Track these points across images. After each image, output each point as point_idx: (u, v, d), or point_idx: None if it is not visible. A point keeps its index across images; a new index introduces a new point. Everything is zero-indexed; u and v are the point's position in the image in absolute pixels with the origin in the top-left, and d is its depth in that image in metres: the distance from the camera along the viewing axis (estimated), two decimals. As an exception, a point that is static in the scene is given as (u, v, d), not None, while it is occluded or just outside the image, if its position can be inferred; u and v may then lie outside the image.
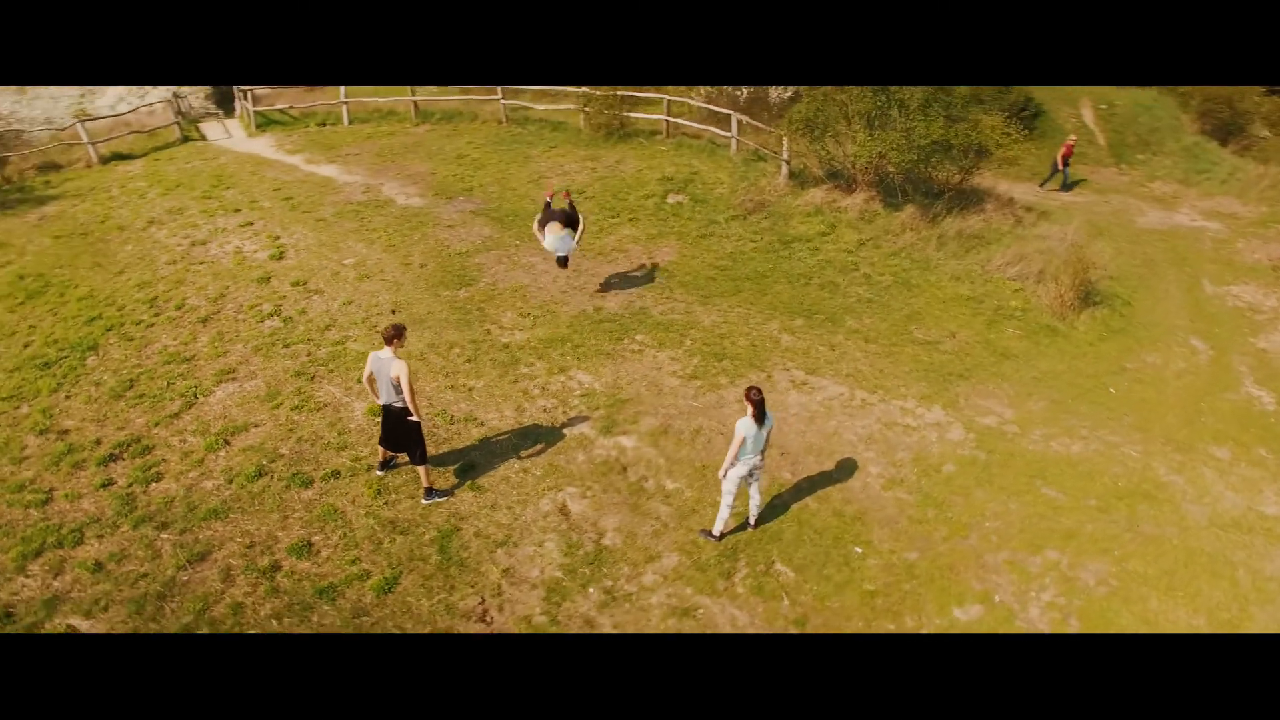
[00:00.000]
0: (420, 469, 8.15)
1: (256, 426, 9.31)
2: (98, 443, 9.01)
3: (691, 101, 19.10)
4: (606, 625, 6.99)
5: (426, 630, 6.89)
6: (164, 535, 7.80)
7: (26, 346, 10.82)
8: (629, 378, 10.30)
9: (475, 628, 6.94)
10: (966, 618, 7.22)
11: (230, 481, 8.47)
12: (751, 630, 6.99)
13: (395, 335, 7.56)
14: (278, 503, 8.22)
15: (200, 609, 7.01)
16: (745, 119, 17.62)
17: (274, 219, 14.54)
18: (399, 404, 7.72)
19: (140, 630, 6.80)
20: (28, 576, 7.30)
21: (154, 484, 8.46)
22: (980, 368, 10.91)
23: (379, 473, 8.54)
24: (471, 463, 8.79)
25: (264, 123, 20.27)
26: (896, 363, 10.88)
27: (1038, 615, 7.25)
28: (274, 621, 6.93)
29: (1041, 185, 20.44)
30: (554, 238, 11.49)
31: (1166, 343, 12.22)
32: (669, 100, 19.00)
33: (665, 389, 10.12)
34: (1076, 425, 9.86)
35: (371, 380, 7.82)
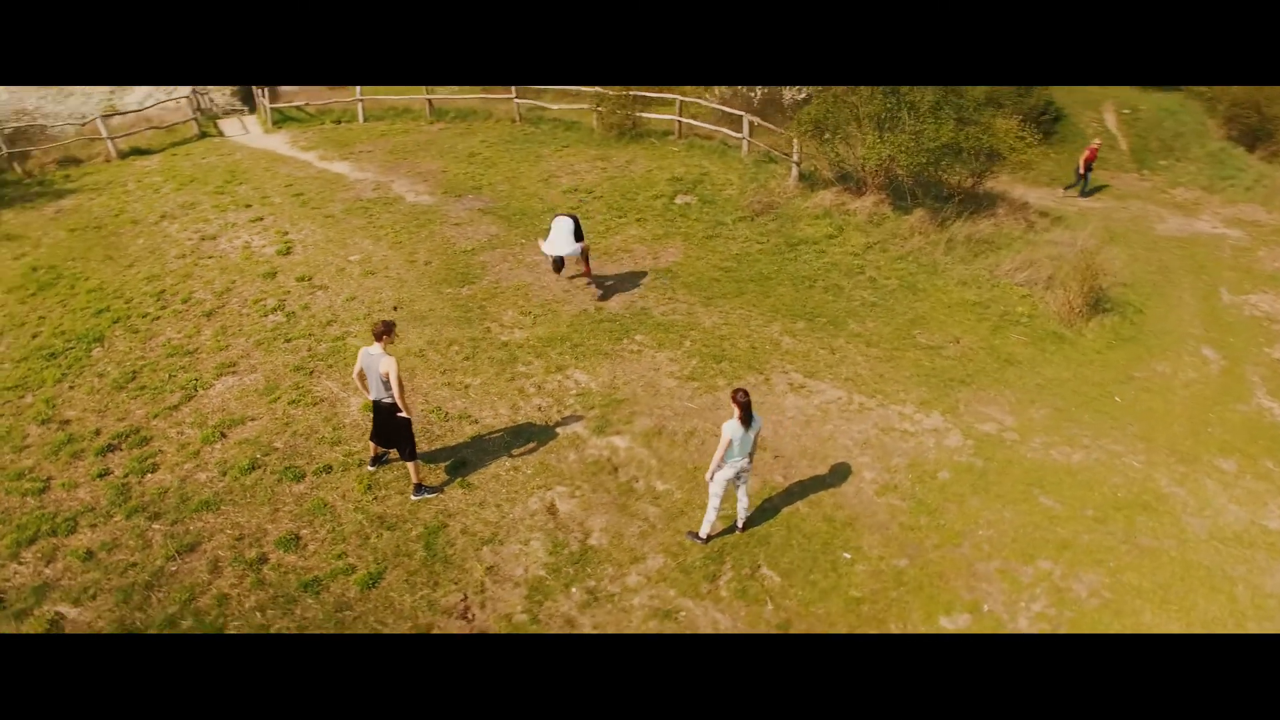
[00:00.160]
0: (410, 465, 8.18)
1: (253, 420, 9.39)
2: (97, 433, 9.13)
3: (703, 102, 19.03)
4: (587, 625, 6.97)
5: (408, 625, 6.90)
6: (156, 526, 7.89)
7: (35, 337, 11.00)
8: (626, 378, 10.27)
9: (456, 624, 6.94)
10: (954, 626, 7.12)
11: (224, 474, 8.55)
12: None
13: (385, 331, 7.58)
14: (269, 496, 8.28)
15: (186, 599, 7.07)
16: (757, 120, 17.53)
17: (284, 215, 14.68)
18: (388, 400, 7.75)
19: (126, 619, 6.87)
20: (20, 563, 7.41)
21: (149, 475, 8.55)
22: (982, 374, 10.76)
23: (370, 468, 8.58)
24: (463, 460, 8.80)
25: (280, 119, 20.48)
26: (897, 367, 10.75)
27: (1027, 626, 7.13)
28: (258, 614, 6.98)
29: (1066, 190, 20.12)
30: (555, 236, 11.48)
31: (1177, 352, 11.99)
32: (681, 101, 18.94)
33: (662, 390, 10.08)
34: (1078, 434, 9.69)
35: (362, 376, 7.86)
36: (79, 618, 6.89)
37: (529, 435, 9.20)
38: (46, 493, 8.29)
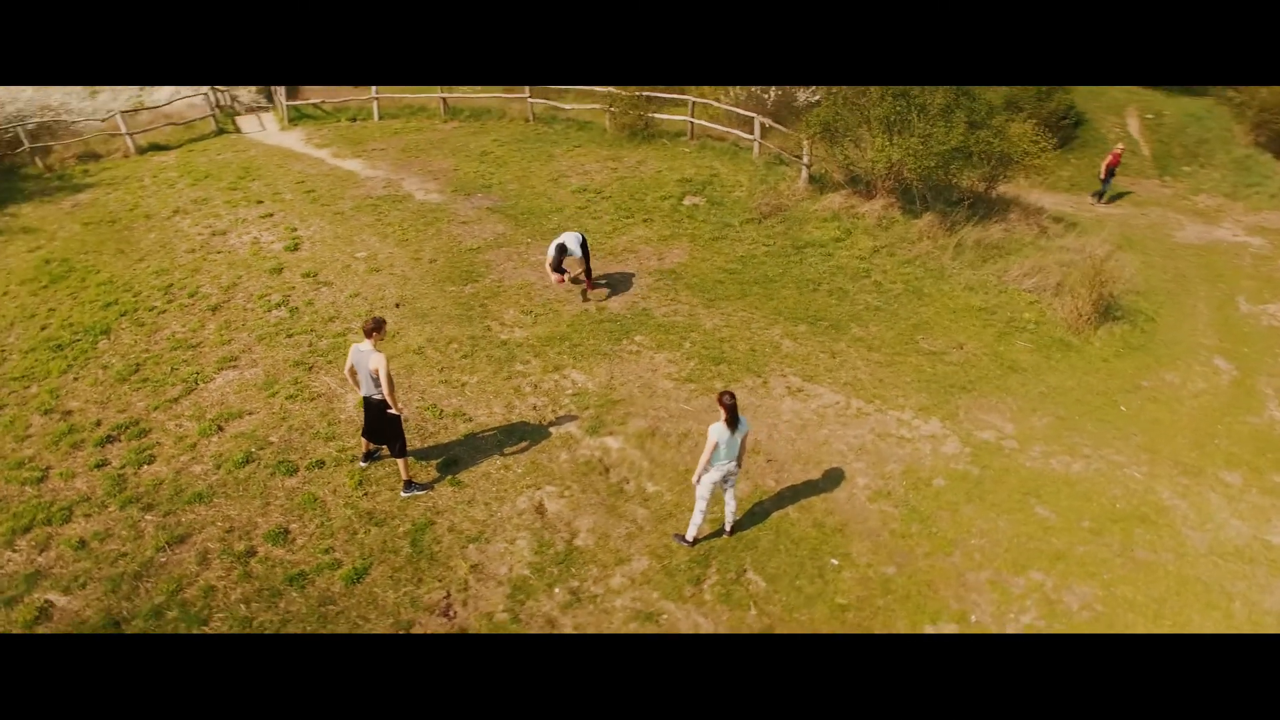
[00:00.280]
0: (400, 462, 8.21)
1: (251, 414, 9.47)
2: (97, 424, 9.26)
3: (715, 103, 18.96)
4: (567, 626, 6.95)
5: (389, 622, 6.93)
6: (148, 517, 7.98)
7: (44, 329, 11.18)
8: (623, 378, 10.25)
9: (437, 622, 6.96)
10: (939, 637, 7.02)
11: (218, 467, 8.63)
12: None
13: (375, 328, 7.62)
14: (261, 489, 8.35)
15: (173, 590, 7.15)
16: (768, 122, 17.44)
17: (294, 211, 14.81)
18: (378, 396, 7.78)
19: (113, 609, 6.95)
20: (14, 551, 7.53)
21: (146, 466, 8.66)
22: (984, 380, 10.62)
23: (362, 464, 8.63)
24: (455, 458, 8.82)
25: (297, 117, 20.68)
26: (898, 372, 10.64)
27: (1014, 638, 7.01)
28: (242, 606, 7.03)
29: (1094, 197, 19.80)
30: (561, 238, 11.54)
31: (1188, 361, 11.76)
32: (694, 102, 18.89)
33: (658, 391, 10.04)
34: (1080, 443, 9.53)
35: (353, 372, 7.90)
36: (68, 606, 6.99)
37: (522, 434, 9.21)
38: (44, 482, 8.42)
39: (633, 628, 6.94)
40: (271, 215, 14.65)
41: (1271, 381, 11.57)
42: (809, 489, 8.59)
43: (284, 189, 15.85)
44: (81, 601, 7.03)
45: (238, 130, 20.04)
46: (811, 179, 16.07)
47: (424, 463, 8.72)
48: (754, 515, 8.21)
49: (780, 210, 15.11)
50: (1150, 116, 24.63)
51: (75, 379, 10.09)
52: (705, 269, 13.20)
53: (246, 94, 22.72)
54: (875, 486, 8.67)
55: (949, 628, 7.07)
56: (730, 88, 20.11)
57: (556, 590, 7.29)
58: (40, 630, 6.74)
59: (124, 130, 18.13)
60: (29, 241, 13.87)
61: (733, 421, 7.01)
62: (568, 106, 20.39)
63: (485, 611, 7.05)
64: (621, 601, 7.19)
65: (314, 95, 21.77)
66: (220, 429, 9.21)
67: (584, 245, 11.74)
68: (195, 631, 6.76)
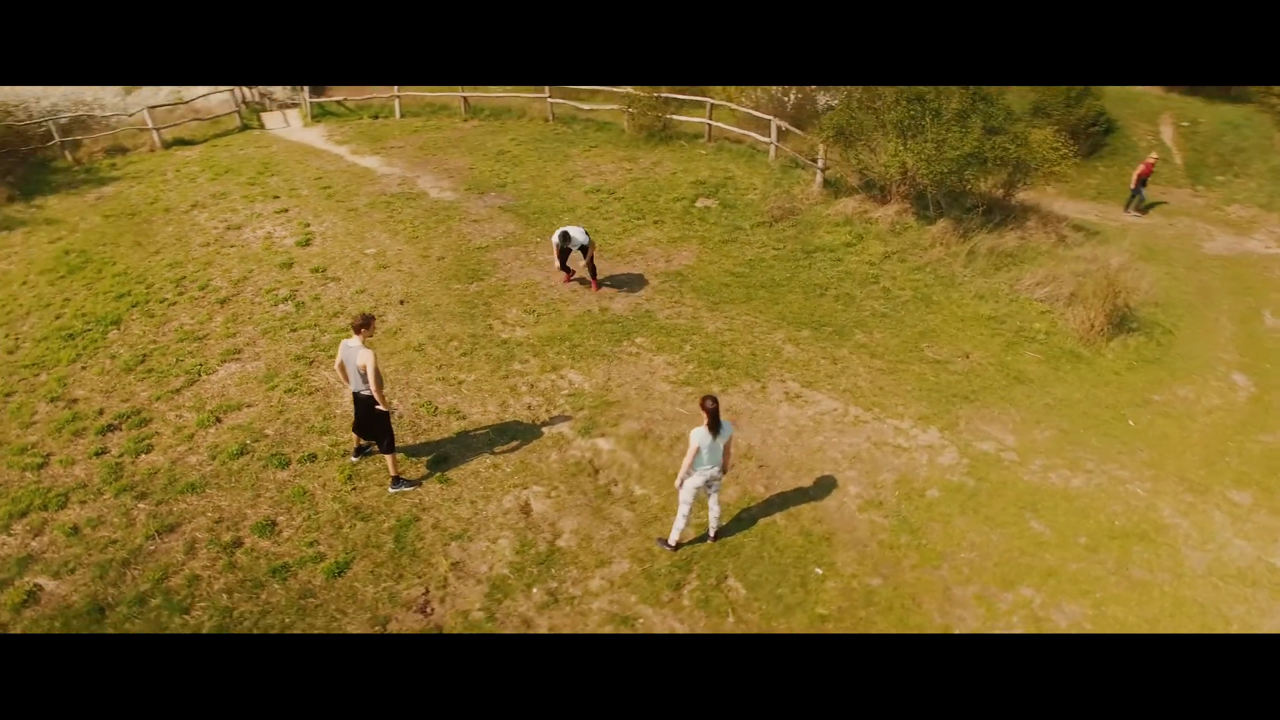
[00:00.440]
0: (387, 458, 8.25)
1: (249, 406, 9.59)
2: (100, 413, 9.44)
3: (733, 106, 18.86)
4: (543, 626, 6.93)
5: (366, 617, 6.96)
6: (141, 505, 8.11)
7: (58, 318, 11.43)
8: (620, 380, 10.22)
9: (413, 618, 6.98)
10: (920, 651, 6.87)
11: (213, 458, 8.75)
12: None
13: (363, 324, 7.67)
14: (253, 481, 8.45)
15: (159, 578, 7.25)
16: (784, 125, 17.30)
17: (308, 207, 15.00)
18: (366, 392, 7.83)
19: (99, 595, 7.08)
20: (10, 535, 7.70)
21: (143, 455, 8.80)
22: (988, 390, 10.41)
23: (353, 459, 8.69)
24: (445, 455, 8.86)
25: (320, 113, 20.95)
26: (899, 380, 10.48)
27: (998, 655, 6.85)
28: (224, 596, 7.12)
29: (1138, 209, 19.31)
30: (571, 229, 11.60)
31: (1204, 376, 11.43)
32: (711, 104, 18.80)
33: (654, 393, 10.00)
34: (1082, 457, 9.31)
35: (343, 368, 7.96)
36: (55, 590, 7.12)
37: (514, 433, 9.22)
38: (45, 468, 8.60)
39: (608, 631, 6.90)
40: (286, 211, 14.85)
41: (1292, 399, 11.21)
42: (799, 496, 8.49)
43: (301, 185, 16.06)
44: (69, 586, 7.17)
45: (262, 126, 20.35)
46: (826, 183, 15.91)
47: (414, 459, 8.76)
48: (740, 521, 8.13)
49: (792, 214, 14.98)
50: (1185, 124, 24.05)
51: (83, 368, 10.30)
52: (712, 272, 13.13)
53: (281, 91, 23.14)
54: (867, 496, 8.54)
55: (930, 642, 6.92)
56: (751, 91, 20.01)
57: (535, 590, 7.28)
58: (27, 614, 6.88)
59: (151, 125, 18.51)
60: (51, 233, 14.21)
61: (715, 426, 6.95)
62: (587, 107, 20.41)
63: (462, 610, 7.06)
64: (598, 604, 7.15)
65: (338, 93, 22.05)
66: (218, 420, 9.34)
67: (588, 241, 11.74)
68: (176, 620, 6.85)
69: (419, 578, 7.37)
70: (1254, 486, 9.17)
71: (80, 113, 19.74)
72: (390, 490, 8.30)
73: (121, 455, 8.77)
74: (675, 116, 19.21)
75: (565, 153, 18.25)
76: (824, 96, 19.69)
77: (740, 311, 11.96)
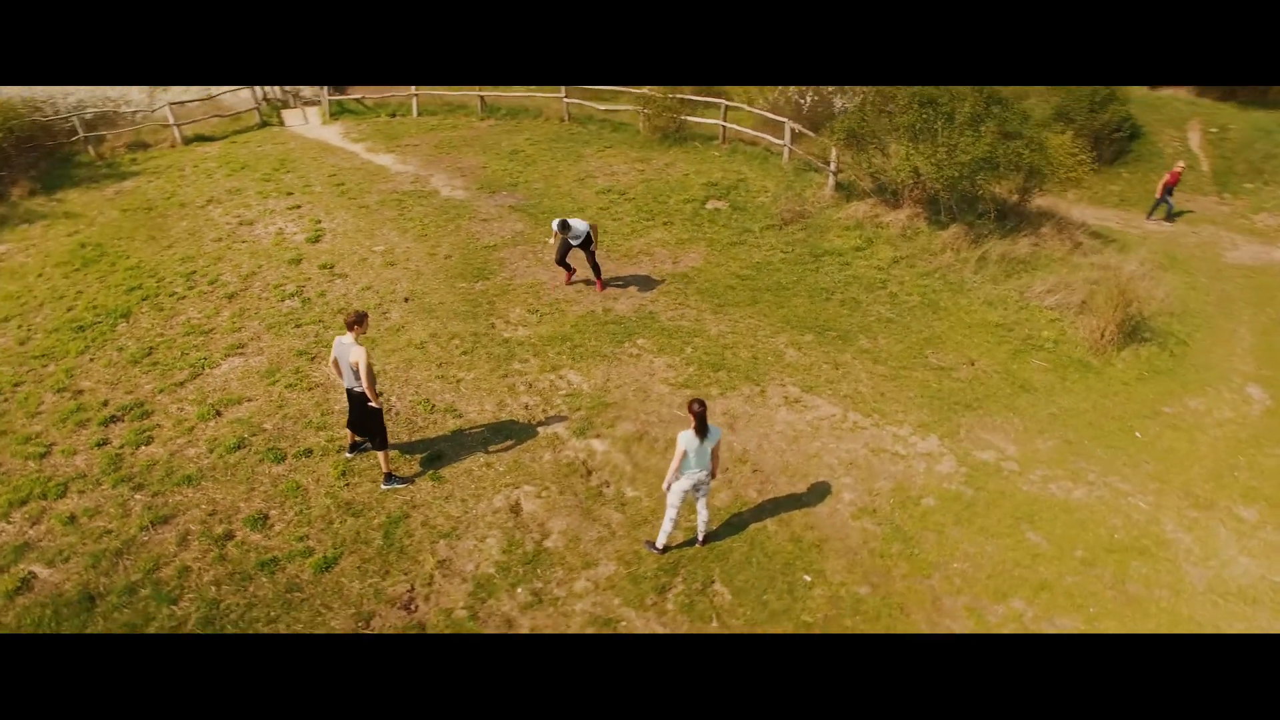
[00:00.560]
0: (380, 455, 8.30)
1: (249, 400, 9.69)
2: (104, 404, 9.58)
3: (748, 107, 18.76)
4: (525, 627, 6.93)
5: (350, 612, 7.00)
6: (138, 496, 8.22)
7: (69, 310, 11.63)
8: (619, 381, 10.19)
9: (397, 615, 7.00)
10: (906, 662, 6.78)
11: (211, 451, 8.85)
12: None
13: (356, 321, 7.71)
14: (248, 475, 8.53)
15: (150, 569, 7.34)
16: (799, 127, 17.18)
17: (321, 204, 15.14)
18: (359, 389, 7.87)
19: (91, 584, 7.17)
20: (8, 523, 7.83)
21: (143, 447, 8.92)
22: (992, 399, 10.26)
23: (348, 455, 8.74)
24: (440, 453, 8.88)
25: (338, 111, 21.15)
26: (901, 386, 10.35)
27: (985, 668, 6.73)
28: (213, 588, 7.18)
29: (1168, 218, 18.92)
30: (572, 219, 11.59)
31: (1217, 388, 11.17)
32: (726, 105, 18.72)
33: (652, 395, 9.96)
34: (1085, 469, 9.14)
35: (336, 364, 8.01)
36: (49, 578, 7.23)
37: (509, 433, 9.22)
38: (47, 458, 8.74)
39: (589, 633, 6.87)
40: (299, 207, 15.00)
41: (1309, 413, 10.92)
42: (791, 502, 8.42)
43: (315, 182, 16.22)
44: (62, 575, 7.28)
45: (281, 123, 20.57)
46: (838, 186, 15.78)
47: (408, 456, 8.80)
48: (731, 525, 8.07)
49: (803, 217, 14.87)
50: (1214, 130, 23.57)
51: (91, 360, 10.47)
52: (718, 274, 13.06)
53: (309, 89, 23.40)
54: (861, 503, 8.44)
55: (916, 653, 6.82)
56: (767, 93, 19.90)
57: (519, 590, 7.27)
58: (19, 601, 6.99)
59: (172, 121, 18.78)
60: (69, 226, 14.46)
61: (701, 429, 6.90)
62: (603, 107, 20.41)
63: (445, 608, 7.07)
64: (582, 606, 7.13)
65: (357, 90, 22.25)
66: (218, 414, 9.44)
67: (589, 238, 11.69)
68: (164, 610, 6.93)
69: (405, 574, 7.39)
70: (1262, 502, 8.94)
71: (106, 109, 20.09)
72: (382, 487, 8.34)
73: (122, 447, 8.90)
74: (690, 118, 19.16)
75: (579, 153, 18.26)
76: (840, 99, 19.52)
77: (744, 314, 11.89)
